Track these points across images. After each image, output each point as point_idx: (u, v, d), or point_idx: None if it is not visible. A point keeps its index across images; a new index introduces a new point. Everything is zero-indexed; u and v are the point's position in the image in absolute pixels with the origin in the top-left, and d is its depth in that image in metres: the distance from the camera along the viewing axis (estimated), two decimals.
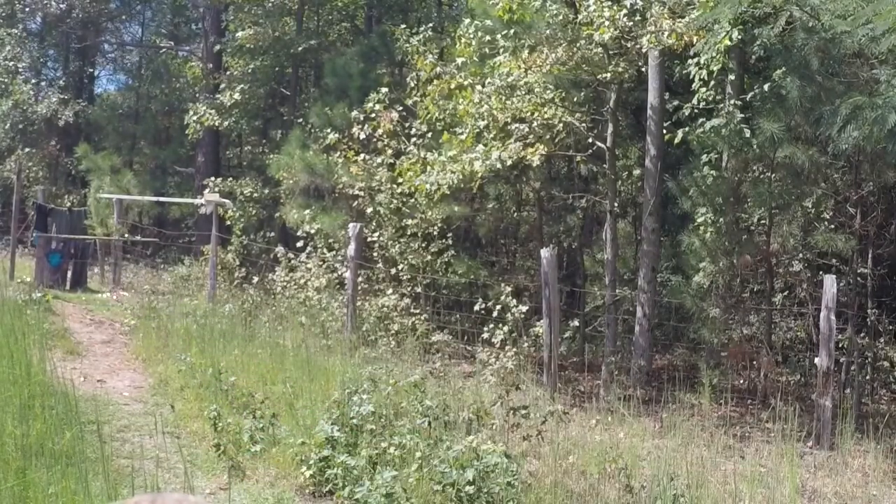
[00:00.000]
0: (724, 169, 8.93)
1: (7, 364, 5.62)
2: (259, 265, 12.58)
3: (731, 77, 8.93)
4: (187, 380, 7.18)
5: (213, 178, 16.02)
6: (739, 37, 7.89)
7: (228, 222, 13.43)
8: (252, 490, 5.07)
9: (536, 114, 9.57)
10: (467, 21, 10.31)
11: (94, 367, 8.22)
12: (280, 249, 11.51)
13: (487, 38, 9.79)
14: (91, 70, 26.41)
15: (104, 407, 6.48)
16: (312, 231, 11.40)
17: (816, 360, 7.21)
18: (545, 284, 8.09)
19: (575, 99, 10.21)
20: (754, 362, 8.98)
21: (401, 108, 11.77)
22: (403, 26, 13.01)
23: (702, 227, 8.76)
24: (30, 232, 16.93)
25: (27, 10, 22.98)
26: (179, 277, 13.92)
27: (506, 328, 8.40)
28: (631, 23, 8.76)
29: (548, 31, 9.29)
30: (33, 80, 23.82)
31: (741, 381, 9.32)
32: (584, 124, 9.94)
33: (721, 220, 8.79)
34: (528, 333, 8.31)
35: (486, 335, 8.58)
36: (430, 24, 12.49)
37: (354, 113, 11.61)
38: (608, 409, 6.63)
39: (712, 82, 8.63)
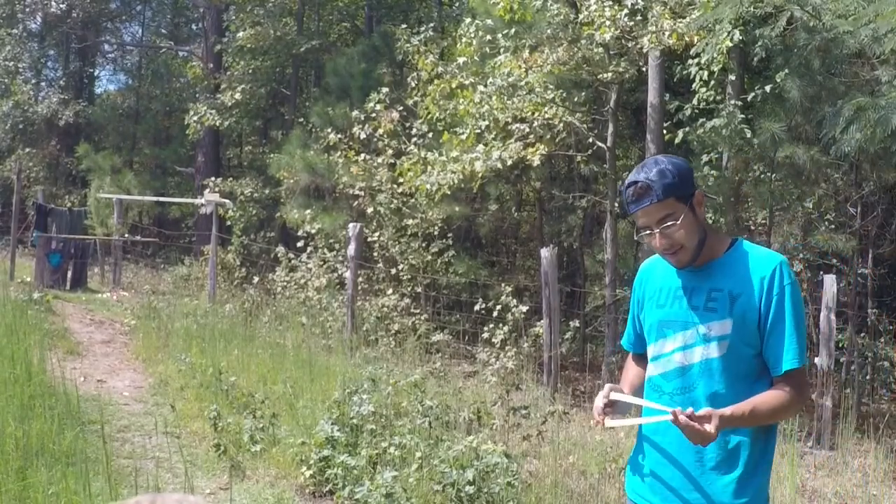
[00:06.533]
0: (725, 169, 8.93)
1: (7, 364, 5.62)
2: (259, 265, 12.59)
3: (732, 77, 8.92)
4: (187, 380, 7.18)
5: (213, 178, 16.02)
6: (740, 37, 7.89)
7: (229, 222, 13.45)
8: (252, 490, 5.07)
9: (537, 114, 9.56)
10: (468, 21, 10.32)
11: (94, 367, 8.22)
12: (280, 249, 11.51)
13: (488, 37, 9.79)
14: (91, 70, 26.45)
15: (104, 407, 6.48)
16: (313, 231, 11.40)
17: (816, 359, 7.20)
18: (545, 284, 8.08)
19: (576, 99, 10.21)
20: None
21: (401, 108, 11.77)
22: (404, 26, 13.01)
23: None
24: (30, 232, 16.95)
25: (27, 10, 23.00)
26: (179, 277, 13.92)
27: (506, 328, 8.40)
28: (632, 23, 8.76)
29: (549, 31, 9.28)
30: (33, 81, 23.88)
31: None
32: (584, 124, 9.93)
33: (722, 219, 8.79)
34: (528, 333, 8.30)
35: (486, 335, 8.58)
36: (431, 24, 12.48)
37: (355, 113, 11.61)
38: None
39: (713, 82, 8.62)
